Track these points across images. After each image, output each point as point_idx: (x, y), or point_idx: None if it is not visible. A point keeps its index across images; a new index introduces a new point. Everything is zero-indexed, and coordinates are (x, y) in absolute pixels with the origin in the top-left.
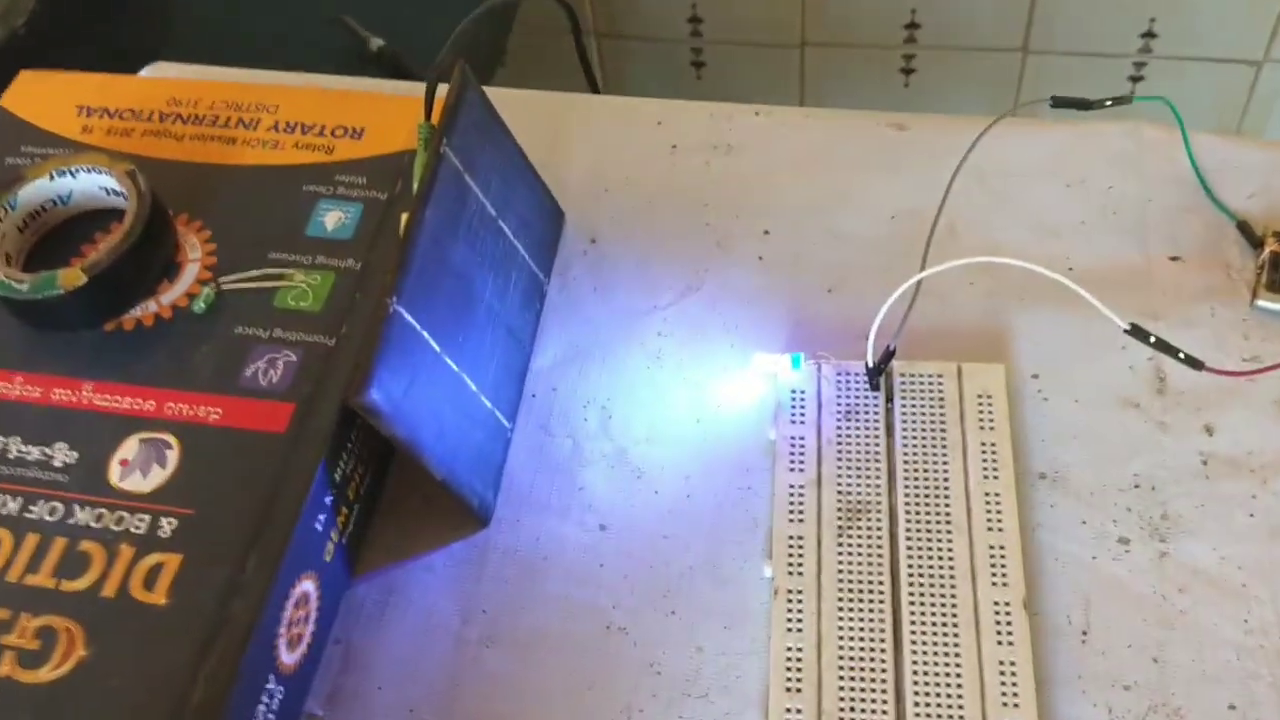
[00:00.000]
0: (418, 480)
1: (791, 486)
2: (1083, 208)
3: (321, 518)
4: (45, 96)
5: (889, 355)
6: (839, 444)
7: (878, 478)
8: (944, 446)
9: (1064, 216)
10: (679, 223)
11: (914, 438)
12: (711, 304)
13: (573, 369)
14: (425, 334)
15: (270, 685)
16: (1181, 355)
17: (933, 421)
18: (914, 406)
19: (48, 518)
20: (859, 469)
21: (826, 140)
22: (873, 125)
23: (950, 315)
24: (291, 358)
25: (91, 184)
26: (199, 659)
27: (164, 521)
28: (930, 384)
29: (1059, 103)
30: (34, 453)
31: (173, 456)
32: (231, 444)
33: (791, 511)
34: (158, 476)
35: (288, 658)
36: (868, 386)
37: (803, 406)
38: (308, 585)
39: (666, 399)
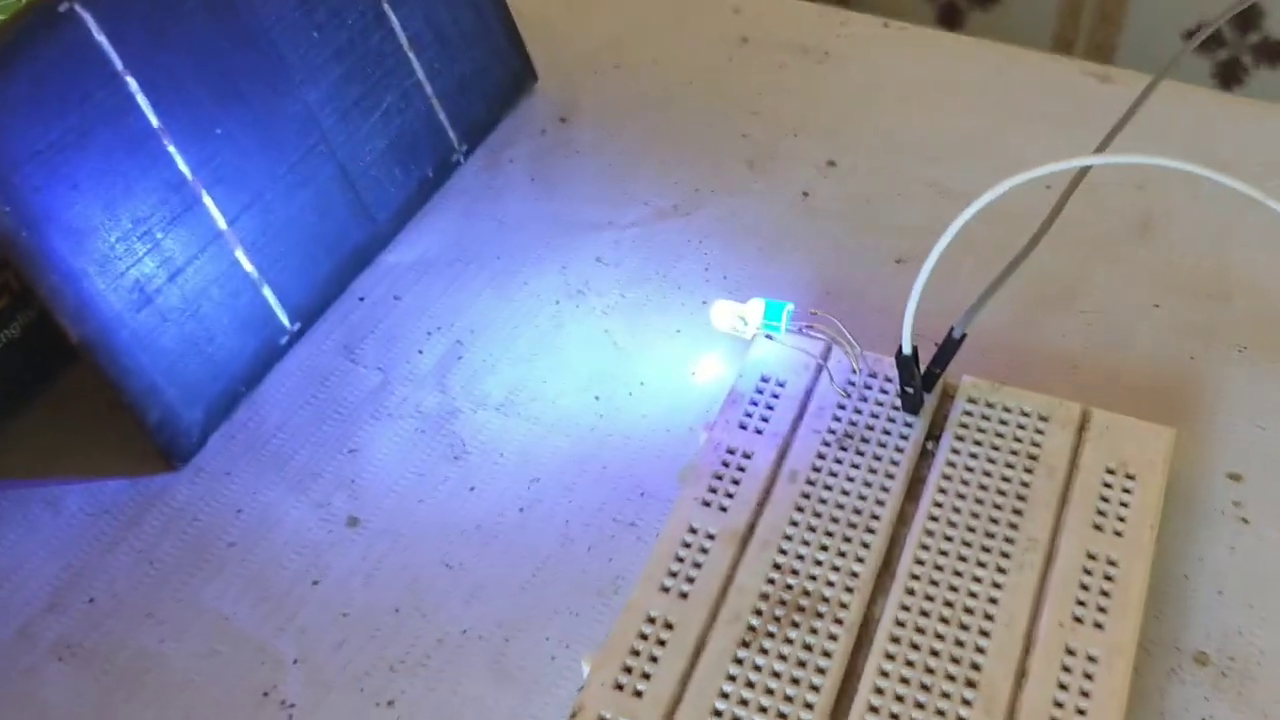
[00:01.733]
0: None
1: (693, 531)
2: None
3: None
4: None
5: (950, 350)
6: (812, 484)
7: (859, 560)
8: (1009, 540)
9: None
10: (702, 127)
11: (958, 509)
12: (697, 237)
13: (438, 277)
14: (130, 80)
15: None
16: None
17: (1003, 490)
18: (976, 457)
19: None
20: (833, 535)
21: (979, 75)
22: (1058, 66)
23: (1098, 334)
24: None
25: None
26: None
27: None
28: (1020, 428)
29: None
30: None
31: None
32: None
33: (675, 574)
34: None
35: None
36: (896, 402)
37: (770, 406)
38: None
39: (562, 354)
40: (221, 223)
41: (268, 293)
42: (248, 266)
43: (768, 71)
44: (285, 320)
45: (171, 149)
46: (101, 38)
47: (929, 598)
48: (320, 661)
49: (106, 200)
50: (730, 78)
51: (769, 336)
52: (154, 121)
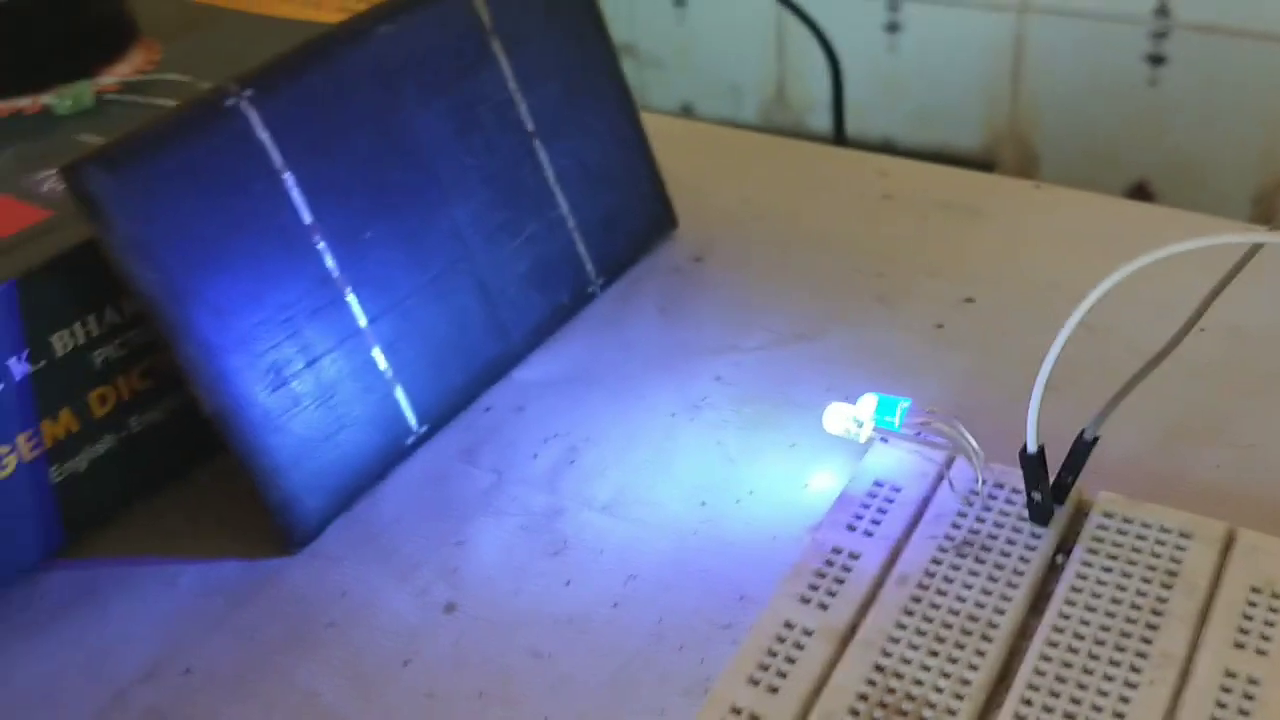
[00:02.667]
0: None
1: (789, 626)
2: None
3: None
4: None
5: (1081, 455)
6: (924, 588)
7: (971, 668)
8: (1140, 654)
9: None
10: (836, 266)
11: (1086, 622)
12: (821, 360)
13: (561, 393)
14: (287, 176)
15: None
16: None
17: (1137, 607)
18: (1110, 571)
19: None
20: (944, 641)
21: (1131, 229)
22: (1215, 225)
23: (1253, 465)
24: None
25: None
26: None
27: None
28: (1159, 544)
29: None
30: None
31: None
32: None
33: (766, 668)
34: None
35: None
36: (1023, 512)
37: (883, 509)
38: None
39: (672, 463)
40: (362, 320)
41: (399, 393)
42: (382, 365)
43: (909, 224)
44: (413, 421)
45: (321, 246)
46: (264, 135)
47: (1048, 709)
48: None
49: (254, 285)
50: (870, 228)
51: (883, 439)
52: (307, 218)
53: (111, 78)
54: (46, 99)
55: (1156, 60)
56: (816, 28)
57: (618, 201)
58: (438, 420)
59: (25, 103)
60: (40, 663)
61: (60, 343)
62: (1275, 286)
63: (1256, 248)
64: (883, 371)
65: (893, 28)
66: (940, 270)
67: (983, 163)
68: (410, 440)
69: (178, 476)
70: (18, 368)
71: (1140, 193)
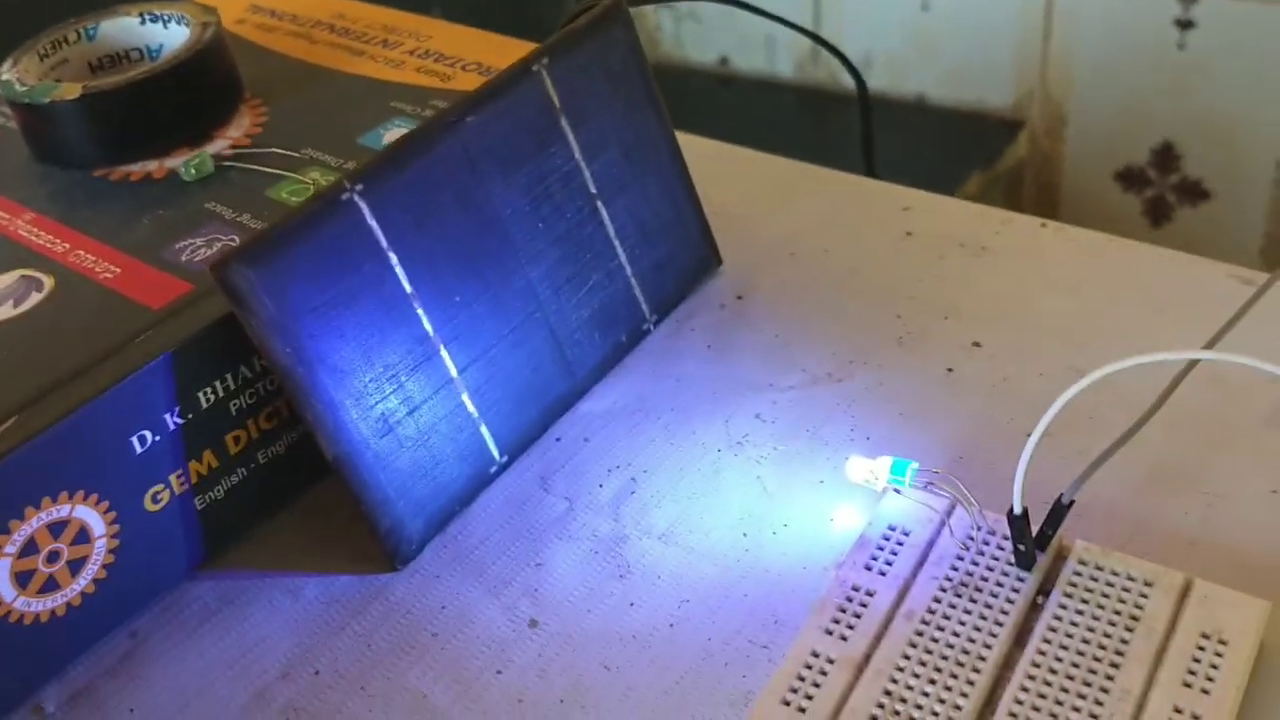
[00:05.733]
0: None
1: (815, 655)
2: None
3: (149, 437)
4: None
5: (1059, 515)
6: (926, 624)
7: (963, 695)
8: (1103, 690)
9: None
10: (861, 307)
11: (1060, 660)
12: (846, 402)
13: (621, 424)
14: (392, 256)
15: None
16: None
17: (1104, 647)
18: (1082, 614)
19: None
20: (941, 671)
21: (1131, 272)
22: (1206, 268)
23: (1215, 516)
24: (234, 242)
25: (180, 42)
26: None
27: None
28: (1125, 591)
29: None
30: None
31: (36, 299)
32: (100, 304)
33: (794, 691)
34: (3, 313)
35: (14, 596)
36: (1011, 558)
37: (894, 552)
38: (87, 515)
39: (718, 495)
40: (453, 371)
41: (484, 430)
42: (471, 408)
43: (927, 262)
44: (496, 454)
45: (419, 311)
46: (372, 221)
47: None
48: None
49: (365, 348)
50: (893, 266)
51: (896, 490)
52: (407, 288)
53: (225, 141)
54: (172, 164)
55: (1185, 25)
56: None
57: (669, 247)
58: (516, 451)
59: (152, 166)
60: (194, 660)
61: (204, 397)
62: (1263, 336)
63: (1250, 302)
64: (899, 413)
65: None
66: (953, 311)
67: (1012, 121)
68: (493, 470)
69: (293, 499)
70: (171, 421)
71: (1166, 153)
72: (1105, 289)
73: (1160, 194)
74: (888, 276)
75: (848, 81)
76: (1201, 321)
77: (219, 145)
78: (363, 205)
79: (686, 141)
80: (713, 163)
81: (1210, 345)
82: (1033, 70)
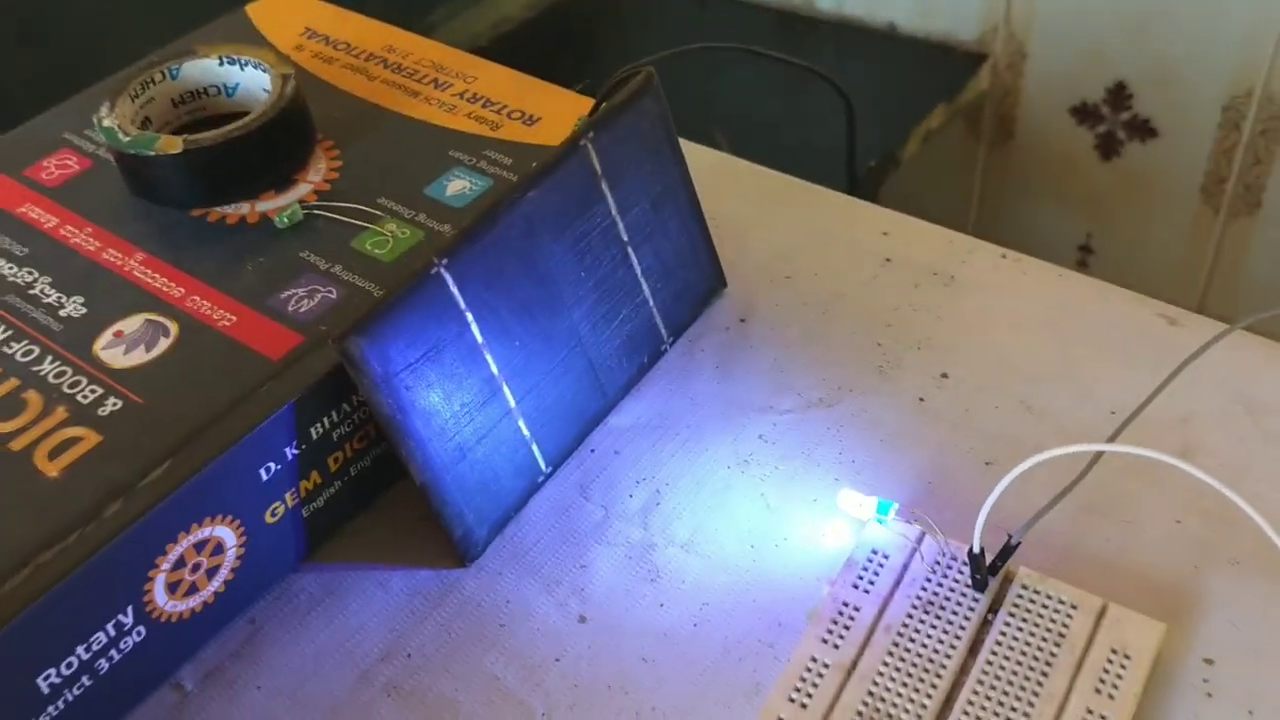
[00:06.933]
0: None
1: (813, 660)
2: None
3: (273, 466)
4: (284, 13)
5: (1008, 551)
6: (901, 636)
7: (928, 696)
8: (1035, 694)
9: None
10: (847, 334)
11: (1004, 669)
12: (837, 426)
13: (645, 439)
14: (468, 314)
15: (126, 619)
16: None
17: (1036, 658)
18: (1022, 631)
19: (19, 357)
20: (911, 675)
21: (1074, 308)
22: (1137, 308)
23: (1130, 542)
24: (331, 295)
25: (255, 83)
26: (45, 545)
27: (111, 400)
28: (1055, 612)
29: None
30: (52, 297)
31: (164, 344)
32: (224, 352)
33: (798, 690)
34: (137, 357)
35: (165, 601)
36: (969, 581)
37: (876, 573)
38: (223, 533)
39: (729, 509)
40: (512, 402)
41: (534, 448)
42: (524, 432)
43: (904, 290)
44: (543, 466)
45: (488, 356)
46: (454, 289)
47: None
48: (559, 717)
49: (447, 392)
50: (873, 293)
51: (880, 522)
52: (479, 339)
53: (308, 185)
54: (263, 207)
55: None
56: None
57: (685, 278)
58: (558, 461)
59: (245, 209)
60: (307, 644)
61: (315, 431)
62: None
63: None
64: (880, 440)
65: None
66: (925, 342)
67: (976, 54)
68: (541, 479)
69: (374, 502)
70: (289, 452)
71: (1119, 91)
72: (1050, 324)
73: (1112, 130)
74: (869, 304)
75: (822, 4)
76: (1134, 362)
77: (302, 189)
78: (447, 277)
79: (686, 147)
80: (708, 176)
81: (1148, 402)
82: (998, 5)
